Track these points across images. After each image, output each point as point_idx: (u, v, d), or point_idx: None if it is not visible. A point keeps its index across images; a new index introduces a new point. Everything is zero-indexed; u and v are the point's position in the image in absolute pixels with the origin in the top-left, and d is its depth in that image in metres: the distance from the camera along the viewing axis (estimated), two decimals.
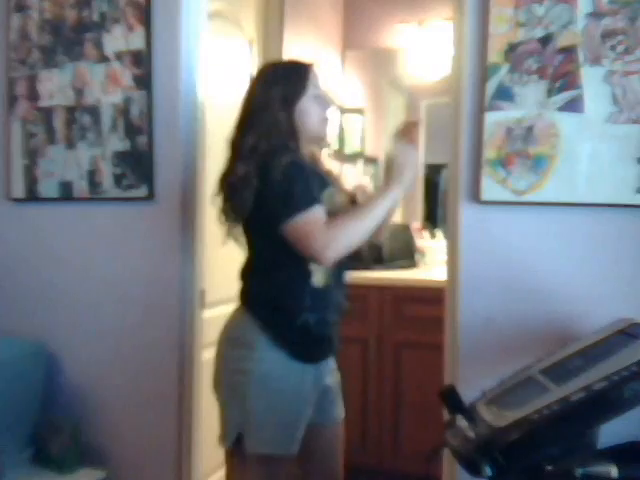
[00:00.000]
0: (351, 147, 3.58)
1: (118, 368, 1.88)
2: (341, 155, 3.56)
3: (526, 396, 1.06)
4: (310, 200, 1.40)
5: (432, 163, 3.35)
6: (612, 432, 1.10)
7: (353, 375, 2.14)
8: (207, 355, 2.04)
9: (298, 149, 1.50)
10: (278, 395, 1.43)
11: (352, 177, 3.61)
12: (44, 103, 1.93)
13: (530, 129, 1.48)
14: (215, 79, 2.26)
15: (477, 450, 1.02)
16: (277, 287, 1.46)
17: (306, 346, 1.46)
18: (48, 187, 1.94)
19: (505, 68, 1.50)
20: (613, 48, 1.44)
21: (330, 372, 1.55)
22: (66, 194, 1.92)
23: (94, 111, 1.87)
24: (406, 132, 1.53)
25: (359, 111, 3.60)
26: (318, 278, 1.45)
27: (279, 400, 1.43)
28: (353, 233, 1.43)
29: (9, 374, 1.76)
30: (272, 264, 1.48)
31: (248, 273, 1.52)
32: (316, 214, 1.40)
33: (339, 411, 1.58)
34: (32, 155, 1.95)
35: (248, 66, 2.64)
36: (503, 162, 1.50)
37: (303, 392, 1.46)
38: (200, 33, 1.84)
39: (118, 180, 1.85)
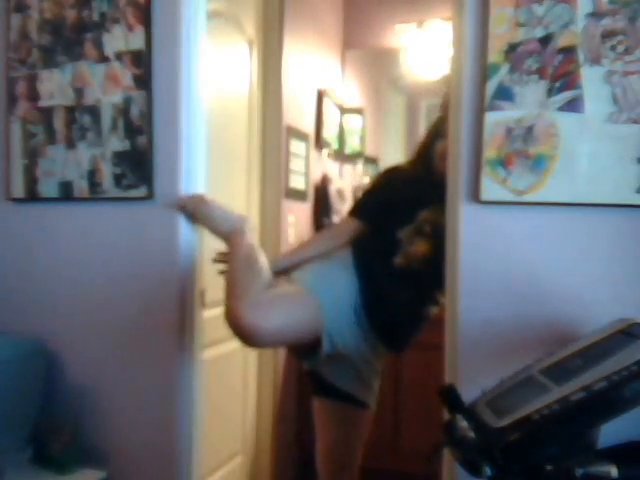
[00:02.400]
0: (351, 147, 3.58)
1: (118, 368, 1.88)
2: (341, 155, 3.56)
3: (526, 396, 1.06)
4: None
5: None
6: (612, 432, 1.10)
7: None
8: (207, 355, 2.04)
9: None
10: None
11: (352, 177, 3.61)
12: (44, 103, 1.93)
13: (530, 129, 1.48)
14: (215, 79, 2.26)
15: (477, 450, 1.02)
16: None
17: None
18: (48, 187, 1.94)
19: (505, 68, 1.50)
20: (613, 48, 1.44)
21: None
22: (66, 194, 1.92)
23: (94, 111, 1.87)
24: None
25: (359, 111, 3.60)
26: None
27: None
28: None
29: (9, 374, 1.77)
30: None
31: None
32: None
33: None
34: (32, 155, 1.95)
35: (248, 66, 2.64)
36: (503, 162, 1.50)
37: None
38: (200, 33, 1.84)
39: (118, 180, 1.85)
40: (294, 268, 1.86)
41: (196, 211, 1.79)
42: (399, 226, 1.83)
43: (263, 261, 1.71)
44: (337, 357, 1.77)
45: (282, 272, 1.84)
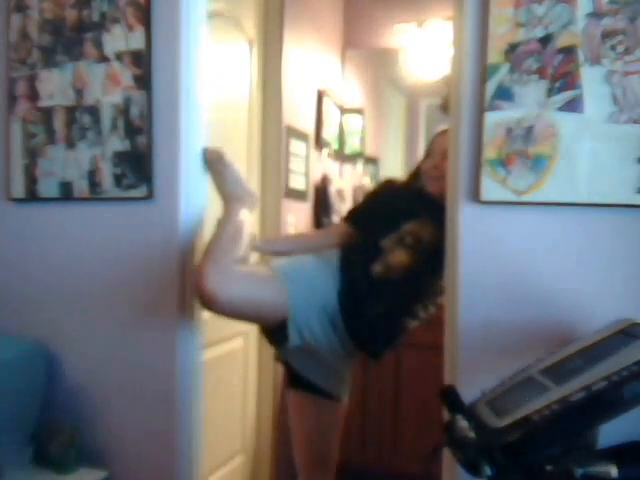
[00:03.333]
0: (351, 147, 3.58)
1: (118, 368, 1.88)
2: (341, 155, 3.56)
3: (526, 396, 1.06)
4: None
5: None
6: (612, 432, 1.10)
7: (353, 375, 2.14)
8: (207, 355, 2.04)
9: None
10: None
11: (352, 177, 3.61)
12: (44, 103, 1.93)
13: (530, 129, 1.48)
14: (215, 79, 2.26)
15: (477, 450, 1.02)
16: None
17: None
18: (48, 187, 1.94)
19: (505, 68, 1.50)
20: (613, 48, 1.44)
21: None
22: (66, 194, 1.92)
23: (94, 111, 1.87)
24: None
25: (359, 111, 3.60)
26: None
27: None
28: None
29: (9, 374, 1.76)
30: None
31: None
32: None
33: None
34: (32, 155, 1.95)
35: (248, 66, 2.64)
36: (503, 162, 1.50)
37: None
38: (200, 33, 1.84)
39: (118, 180, 1.85)
40: (280, 254, 1.98)
41: (212, 164, 1.85)
42: (383, 235, 1.85)
43: (246, 241, 1.76)
44: (307, 350, 1.81)
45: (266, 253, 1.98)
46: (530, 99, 1.48)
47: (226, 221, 1.78)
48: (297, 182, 2.95)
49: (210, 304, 1.61)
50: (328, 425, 1.96)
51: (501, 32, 1.50)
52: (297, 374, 1.91)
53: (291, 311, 1.75)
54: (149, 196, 1.82)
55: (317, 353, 1.83)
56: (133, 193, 1.84)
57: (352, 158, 3.59)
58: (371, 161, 3.63)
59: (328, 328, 1.80)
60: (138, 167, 1.83)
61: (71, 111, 1.90)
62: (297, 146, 2.93)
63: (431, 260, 1.79)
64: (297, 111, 2.94)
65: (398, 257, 1.82)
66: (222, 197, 1.84)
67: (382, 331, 1.88)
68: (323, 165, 3.31)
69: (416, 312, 1.91)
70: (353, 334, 1.82)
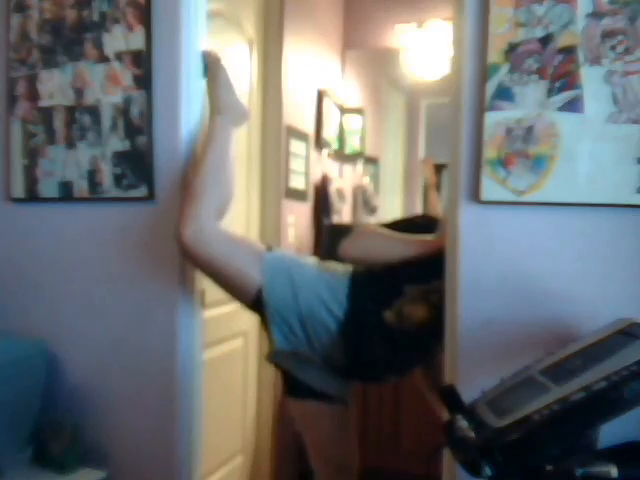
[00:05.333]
0: (351, 147, 3.58)
1: (118, 368, 1.88)
2: (341, 155, 3.56)
3: (526, 396, 1.06)
4: None
5: (433, 159, 3.36)
6: (612, 432, 1.10)
7: None
8: (207, 355, 2.04)
9: None
10: None
11: (352, 177, 3.62)
12: (44, 103, 1.93)
13: (530, 129, 1.48)
14: None
15: (477, 450, 1.02)
16: None
17: None
18: (48, 187, 1.94)
19: (505, 68, 1.50)
20: (613, 48, 1.44)
21: None
22: (66, 194, 1.92)
23: (94, 111, 1.87)
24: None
25: (359, 111, 3.60)
26: None
27: None
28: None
29: (9, 374, 1.76)
30: None
31: None
32: None
33: None
34: (32, 155, 1.95)
35: (248, 66, 2.64)
36: (503, 162, 1.50)
37: None
38: (200, 33, 1.84)
39: (118, 180, 1.85)
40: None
41: (209, 67, 1.83)
42: (411, 281, 1.72)
43: (232, 162, 1.74)
44: (301, 355, 1.75)
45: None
46: (530, 99, 1.48)
47: (213, 140, 1.73)
48: (297, 182, 2.95)
49: (186, 257, 1.69)
50: (343, 431, 1.86)
51: (501, 32, 1.50)
52: (295, 380, 1.81)
53: (270, 312, 1.70)
54: (149, 196, 1.82)
55: (312, 360, 1.75)
56: (133, 193, 1.84)
57: (352, 158, 3.59)
58: (371, 161, 3.63)
59: (315, 339, 1.72)
60: (138, 167, 1.83)
61: (71, 111, 1.90)
62: (297, 146, 2.93)
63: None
64: (297, 111, 2.94)
65: (416, 312, 1.70)
66: (212, 106, 1.79)
67: (373, 374, 1.83)
68: (323, 165, 3.31)
69: (413, 366, 1.90)
70: (348, 366, 1.75)
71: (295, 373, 1.80)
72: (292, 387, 1.84)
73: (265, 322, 1.76)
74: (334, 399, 1.81)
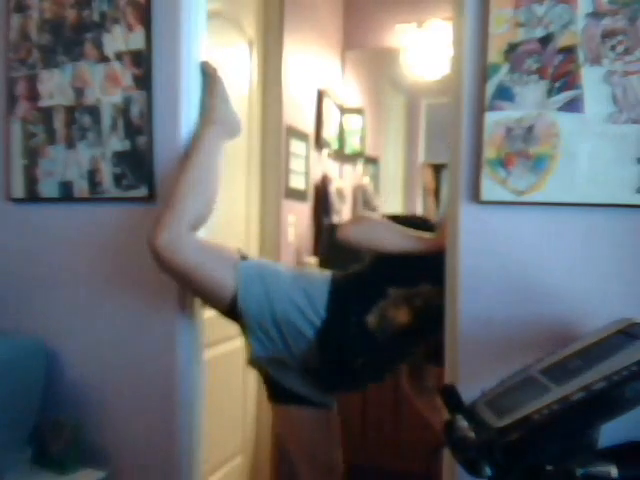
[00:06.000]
0: (351, 147, 3.59)
1: (118, 368, 1.88)
2: (341, 155, 3.56)
3: (526, 396, 1.06)
4: None
5: (432, 163, 3.36)
6: (612, 432, 1.10)
7: None
8: (207, 355, 2.04)
9: None
10: None
11: (352, 177, 3.62)
12: (44, 103, 1.93)
13: (530, 129, 1.48)
14: None
15: (477, 450, 1.02)
16: None
17: None
18: (48, 187, 1.94)
19: (505, 68, 1.50)
20: (613, 48, 1.44)
21: None
22: (66, 194, 1.92)
23: (94, 111, 1.87)
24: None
25: (359, 111, 3.60)
26: None
27: None
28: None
29: (9, 373, 1.76)
30: None
31: None
32: None
33: None
34: (32, 155, 1.95)
35: (248, 66, 2.64)
36: (503, 162, 1.50)
37: None
38: (200, 33, 1.84)
39: (118, 180, 1.85)
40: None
41: (207, 76, 1.81)
42: (396, 283, 1.70)
43: (217, 176, 1.70)
44: (281, 360, 1.74)
45: None
46: (530, 99, 1.48)
47: (201, 150, 1.69)
48: (297, 182, 2.95)
49: (158, 264, 1.62)
50: (327, 435, 1.86)
51: (501, 32, 1.50)
52: (276, 385, 1.82)
53: (247, 319, 1.68)
54: (149, 196, 1.82)
55: (297, 364, 1.74)
56: (133, 193, 1.84)
57: (352, 158, 3.59)
58: (371, 161, 3.63)
59: (293, 345, 1.70)
60: (138, 167, 1.83)
61: (71, 111, 1.90)
62: (297, 146, 2.93)
63: (429, 328, 1.70)
64: (297, 111, 2.94)
65: (400, 316, 1.68)
66: (207, 117, 1.77)
67: (355, 380, 1.80)
68: (323, 165, 3.31)
69: (395, 370, 1.89)
70: (326, 373, 1.73)
71: (277, 378, 1.80)
72: (274, 392, 1.84)
73: (243, 329, 1.75)
74: (316, 403, 1.82)
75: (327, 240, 2.99)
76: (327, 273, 1.79)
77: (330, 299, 1.69)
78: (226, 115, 1.78)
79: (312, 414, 1.82)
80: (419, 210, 3.49)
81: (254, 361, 1.79)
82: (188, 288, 1.74)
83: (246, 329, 1.73)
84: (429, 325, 1.69)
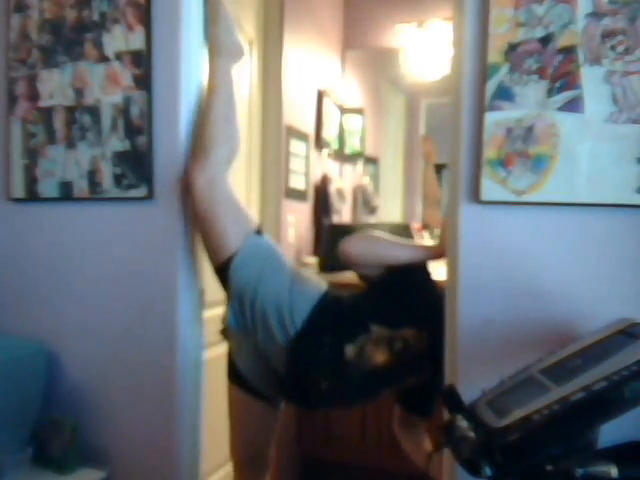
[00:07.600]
0: (351, 147, 3.59)
1: (118, 368, 1.88)
2: (341, 155, 3.56)
3: (526, 396, 1.06)
4: None
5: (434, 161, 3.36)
6: (612, 432, 1.10)
7: None
8: (207, 355, 2.04)
9: None
10: None
11: (352, 177, 3.62)
12: (44, 103, 1.93)
13: (530, 129, 1.48)
14: None
15: (477, 450, 1.02)
16: None
17: None
18: (48, 187, 1.94)
19: (505, 68, 1.50)
20: (613, 48, 1.44)
21: None
22: (66, 194, 1.92)
23: (94, 111, 1.87)
24: None
25: (359, 111, 3.60)
26: None
27: None
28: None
29: (9, 374, 1.77)
30: None
31: None
32: None
33: None
34: (32, 155, 1.95)
35: (248, 66, 2.64)
36: (503, 162, 1.50)
37: None
38: (200, 33, 1.84)
39: (118, 180, 1.85)
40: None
41: (209, 3, 1.83)
42: (378, 321, 1.66)
43: (237, 106, 1.79)
44: (249, 343, 1.76)
45: None
46: (530, 99, 1.48)
47: (219, 86, 1.78)
48: (297, 182, 2.95)
49: (192, 202, 1.74)
50: (269, 428, 1.91)
51: (501, 32, 1.50)
52: (234, 366, 1.85)
53: (232, 286, 1.72)
54: (149, 196, 1.82)
55: (259, 354, 1.76)
56: (133, 193, 1.84)
57: (352, 158, 3.59)
58: (371, 161, 3.63)
59: (260, 339, 1.72)
60: (138, 167, 1.83)
61: (71, 111, 1.90)
62: (297, 146, 2.93)
63: (403, 373, 1.69)
64: (297, 111, 2.94)
65: (378, 356, 1.64)
66: (211, 47, 1.81)
67: (317, 400, 1.76)
68: (323, 165, 3.31)
69: (363, 404, 1.92)
70: (289, 383, 1.74)
71: (235, 360, 1.83)
72: (230, 371, 1.87)
73: (226, 294, 1.79)
74: (264, 397, 1.84)
75: (327, 240, 2.99)
76: (323, 287, 1.79)
77: (312, 313, 1.68)
78: (230, 42, 1.82)
79: (262, 406, 1.85)
80: (419, 209, 3.49)
81: (226, 331, 1.82)
82: (201, 228, 1.78)
83: (228, 295, 1.77)
84: (404, 371, 1.69)
